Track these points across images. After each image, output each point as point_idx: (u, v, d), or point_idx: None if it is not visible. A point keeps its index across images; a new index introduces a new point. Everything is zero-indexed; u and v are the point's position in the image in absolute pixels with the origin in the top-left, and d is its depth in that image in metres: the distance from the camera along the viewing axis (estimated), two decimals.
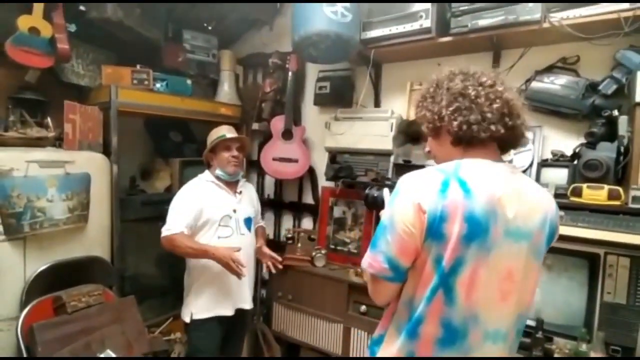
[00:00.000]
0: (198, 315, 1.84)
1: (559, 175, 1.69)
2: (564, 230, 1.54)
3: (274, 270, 1.99)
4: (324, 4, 1.87)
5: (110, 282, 2.01)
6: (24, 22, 1.87)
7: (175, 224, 1.76)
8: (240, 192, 1.97)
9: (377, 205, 1.17)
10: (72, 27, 2.17)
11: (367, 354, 2.02)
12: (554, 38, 1.76)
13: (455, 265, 0.82)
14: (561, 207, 1.55)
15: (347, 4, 1.91)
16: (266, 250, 2.01)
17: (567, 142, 1.79)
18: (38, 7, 1.90)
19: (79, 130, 1.99)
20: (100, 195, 2.02)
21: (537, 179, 1.75)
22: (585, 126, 1.70)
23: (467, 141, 0.90)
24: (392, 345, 0.92)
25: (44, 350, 1.51)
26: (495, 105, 0.88)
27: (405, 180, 0.89)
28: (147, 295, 2.35)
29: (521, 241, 0.86)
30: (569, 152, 1.73)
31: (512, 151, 1.04)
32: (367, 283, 0.98)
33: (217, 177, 1.93)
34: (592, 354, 1.45)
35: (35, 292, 1.72)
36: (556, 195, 1.61)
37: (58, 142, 2.00)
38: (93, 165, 1.99)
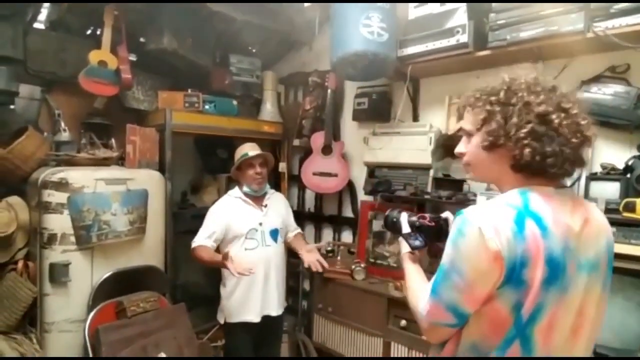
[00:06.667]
0: (229, 319, 1.99)
1: (610, 190, 1.61)
2: (617, 247, 1.46)
3: (314, 268, 2.02)
4: (360, 25, 1.94)
5: (163, 289, 2.17)
6: (94, 56, 2.12)
7: (198, 237, 1.94)
8: (266, 205, 2.08)
9: (395, 229, 1.10)
10: (133, 57, 2.43)
11: None
12: (600, 47, 1.70)
13: (534, 313, 0.74)
14: (613, 223, 1.48)
15: (384, 24, 1.97)
16: (314, 253, 2.08)
17: (618, 154, 1.70)
18: (106, 43, 2.15)
19: (139, 150, 2.20)
20: (156, 209, 2.20)
21: (586, 194, 1.68)
22: (637, 137, 1.62)
23: (531, 170, 0.79)
24: None
25: (108, 350, 1.67)
26: (574, 140, 0.76)
27: (472, 219, 0.76)
28: (196, 303, 2.50)
29: (592, 273, 0.79)
30: (620, 165, 1.65)
31: None
32: (415, 316, 0.89)
33: (245, 193, 2.05)
34: None
35: (100, 297, 1.91)
36: (607, 211, 1.54)
37: (120, 161, 2.22)
38: (150, 181, 2.18)
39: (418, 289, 0.90)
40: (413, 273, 0.97)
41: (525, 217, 0.74)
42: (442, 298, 0.80)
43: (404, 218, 1.06)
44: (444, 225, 1.02)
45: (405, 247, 1.02)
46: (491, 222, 0.74)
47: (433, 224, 1.01)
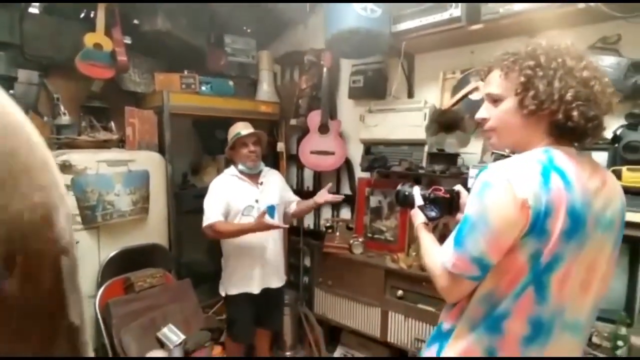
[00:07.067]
0: (230, 292, 2.06)
1: (598, 159, 1.63)
2: None
3: (333, 200, 2.12)
4: (353, 2, 1.94)
5: (168, 266, 2.25)
6: (89, 39, 2.13)
7: (212, 214, 1.95)
8: (262, 183, 2.12)
9: (407, 203, 1.11)
10: (128, 39, 2.43)
11: (411, 340, 2.09)
12: (592, 18, 1.71)
13: (551, 262, 0.78)
14: None
15: None
16: (325, 194, 2.10)
17: (606, 124, 1.73)
18: (100, 25, 2.16)
19: (138, 132, 2.24)
20: (157, 189, 2.26)
21: None
22: (626, 107, 1.65)
23: (565, 134, 0.82)
24: (464, 340, 0.87)
25: (118, 323, 1.76)
26: (605, 108, 0.81)
27: (499, 172, 0.79)
28: (201, 279, 2.59)
29: (607, 232, 0.83)
30: (608, 135, 1.68)
31: None
32: (434, 279, 0.90)
33: (240, 171, 2.10)
34: (633, 338, 1.43)
35: (108, 274, 1.99)
36: None
37: (121, 143, 2.26)
38: (151, 163, 2.23)
39: (437, 251, 0.92)
40: (430, 240, 1.00)
41: (551, 170, 0.77)
42: (468, 249, 0.81)
43: (417, 191, 1.08)
44: (456, 197, 1.06)
45: (420, 219, 1.05)
46: (518, 174, 0.77)
47: (448, 195, 1.04)
